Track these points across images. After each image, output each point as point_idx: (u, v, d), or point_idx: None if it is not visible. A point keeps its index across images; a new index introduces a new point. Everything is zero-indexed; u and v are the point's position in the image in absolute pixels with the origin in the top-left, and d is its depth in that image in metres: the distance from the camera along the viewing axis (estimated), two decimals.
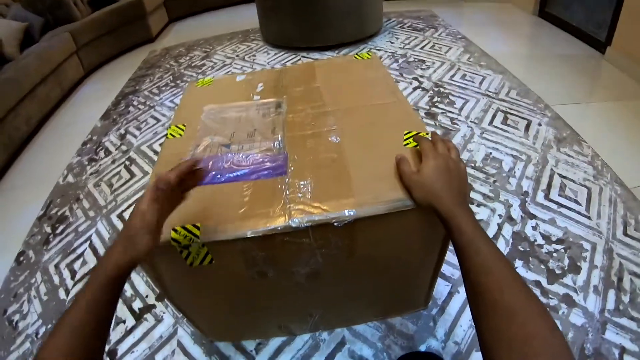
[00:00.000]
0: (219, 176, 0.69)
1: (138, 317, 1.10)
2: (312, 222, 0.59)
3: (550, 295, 1.03)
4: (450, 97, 1.94)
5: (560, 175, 1.40)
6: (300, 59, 2.58)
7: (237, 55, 2.78)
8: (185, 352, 1.00)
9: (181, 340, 1.03)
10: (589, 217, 1.24)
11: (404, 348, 0.95)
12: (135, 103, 2.37)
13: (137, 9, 3.21)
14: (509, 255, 1.13)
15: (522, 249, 1.15)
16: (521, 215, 1.26)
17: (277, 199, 0.62)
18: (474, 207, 1.30)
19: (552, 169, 1.44)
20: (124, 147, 1.93)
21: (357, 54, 1.04)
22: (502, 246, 1.16)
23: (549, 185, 1.37)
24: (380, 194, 0.61)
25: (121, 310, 1.13)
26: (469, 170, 1.44)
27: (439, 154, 0.59)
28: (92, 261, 1.31)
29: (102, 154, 1.92)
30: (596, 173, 1.41)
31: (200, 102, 0.92)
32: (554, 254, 1.13)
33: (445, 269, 1.11)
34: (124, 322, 1.10)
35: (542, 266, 1.10)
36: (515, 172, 1.44)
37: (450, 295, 1.05)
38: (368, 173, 0.65)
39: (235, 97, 0.93)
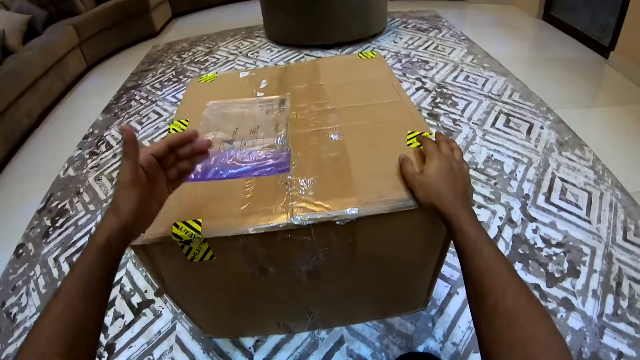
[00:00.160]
0: (221, 172, 0.69)
1: (137, 312, 1.10)
2: (314, 220, 0.59)
3: (549, 299, 1.03)
4: (453, 98, 1.94)
5: (561, 179, 1.40)
6: (303, 57, 2.58)
7: (240, 52, 2.78)
8: (184, 348, 1.00)
9: (179, 335, 1.03)
10: (589, 222, 1.24)
11: (402, 348, 0.95)
12: (137, 97, 2.37)
13: (140, 3, 3.20)
14: (508, 258, 1.13)
15: (521, 252, 1.15)
16: (522, 218, 1.26)
17: (280, 196, 0.62)
18: (474, 209, 1.29)
19: (553, 173, 1.44)
20: None
21: (361, 53, 1.04)
22: (502, 248, 1.16)
23: (550, 189, 1.37)
24: (383, 194, 0.60)
25: (120, 304, 1.13)
26: (470, 171, 1.44)
27: (442, 155, 0.59)
28: None
29: (103, 147, 1.92)
30: (597, 177, 1.41)
31: (204, 97, 0.92)
32: (554, 258, 1.13)
33: (444, 270, 1.11)
34: (123, 316, 1.10)
35: (542, 269, 1.10)
36: (516, 175, 1.43)
37: (449, 296, 1.05)
38: (371, 172, 0.65)
39: (239, 93, 0.93)
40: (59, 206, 1.57)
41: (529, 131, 1.67)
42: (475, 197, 1.35)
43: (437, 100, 1.93)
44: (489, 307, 0.42)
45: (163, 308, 1.10)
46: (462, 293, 1.05)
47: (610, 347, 0.92)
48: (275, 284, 0.74)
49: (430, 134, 0.70)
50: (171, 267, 0.67)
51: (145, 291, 1.16)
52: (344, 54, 2.55)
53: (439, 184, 0.55)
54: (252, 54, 2.72)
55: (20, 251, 1.40)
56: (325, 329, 0.99)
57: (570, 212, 1.27)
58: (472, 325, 0.98)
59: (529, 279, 1.08)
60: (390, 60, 2.39)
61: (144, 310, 1.10)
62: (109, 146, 1.92)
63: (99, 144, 1.96)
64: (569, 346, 0.90)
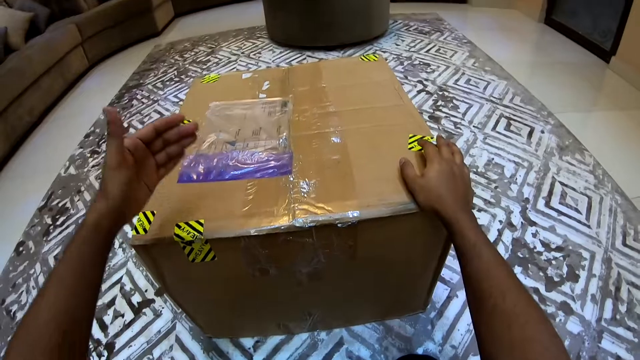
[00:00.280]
0: (223, 173, 0.69)
1: (137, 311, 1.11)
2: (316, 222, 0.59)
3: (548, 303, 1.03)
4: (454, 101, 1.95)
5: (562, 183, 1.41)
6: (305, 58, 2.58)
7: (243, 52, 2.78)
8: (183, 348, 1.00)
9: (179, 335, 1.03)
10: (588, 226, 1.24)
11: (401, 350, 0.95)
12: (139, 97, 2.38)
13: (143, 2, 3.21)
14: (508, 262, 1.14)
15: (521, 256, 1.16)
16: (521, 222, 1.26)
17: (282, 198, 0.63)
18: (475, 213, 1.30)
19: (553, 177, 1.44)
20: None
21: (363, 56, 1.05)
22: (502, 252, 1.17)
23: (550, 193, 1.37)
24: (384, 197, 0.61)
25: (120, 304, 1.13)
26: (471, 175, 1.44)
27: (443, 159, 0.59)
28: None
29: (104, 146, 1.91)
30: (597, 182, 1.41)
31: (206, 98, 0.93)
32: (553, 262, 1.13)
33: (444, 273, 1.12)
34: (123, 315, 1.10)
35: (541, 273, 1.10)
36: (516, 179, 1.44)
37: (448, 299, 1.05)
38: (372, 175, 0.65)
39: (241, 94, 0.93)
40: (60, 204, 1.58)
41: (529, 135, 1.67)
42: (475, 200, 1.36)
43: (439, 103, 1.93)
44: (489, 309, 0.42)
45: (163, 307, 1.11)
46: (461, 296, 1.06)
47: (609, 352, 0.92)
48: (275, 285, 0.74)
49: (432, 137, 0.71)
50: (172, 267, 0.67)
51: (146, 290, 1.16)
52: (345, 56, 2.55)
53: (440, 187, 0.56)
54: (254, 54, 2.73)
55: (21, 249, 1.40)
56: (325, 330, 0.99)
57: (570, 217, 1.28)
58: (471, 328, 0.98)
59: (528, 282, 1.08)
60: (392, 62, 2.39)
61: (144, 310, 1.11)
62: None
63: (101, 142, 1.97)
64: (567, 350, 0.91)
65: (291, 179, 0.66)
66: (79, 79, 2.76)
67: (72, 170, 1.78)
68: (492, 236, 1.22)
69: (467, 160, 1.54)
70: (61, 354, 0.36)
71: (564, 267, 1.12)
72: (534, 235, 1.22)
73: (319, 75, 0.97)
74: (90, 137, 2.03)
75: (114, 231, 0.46)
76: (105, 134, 0.46)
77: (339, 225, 0.59)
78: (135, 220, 0.61)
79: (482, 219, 1.28)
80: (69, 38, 2.63)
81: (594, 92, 2.04)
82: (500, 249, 1.18)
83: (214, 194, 0.65)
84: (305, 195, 0.63)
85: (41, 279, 1.25)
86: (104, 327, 1.07)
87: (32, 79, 2.21)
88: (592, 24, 2.44)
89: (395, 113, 0.80)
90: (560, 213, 1.29)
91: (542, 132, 1.69)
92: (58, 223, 1.48)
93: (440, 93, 2.02)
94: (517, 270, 1.12)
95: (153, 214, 0.63)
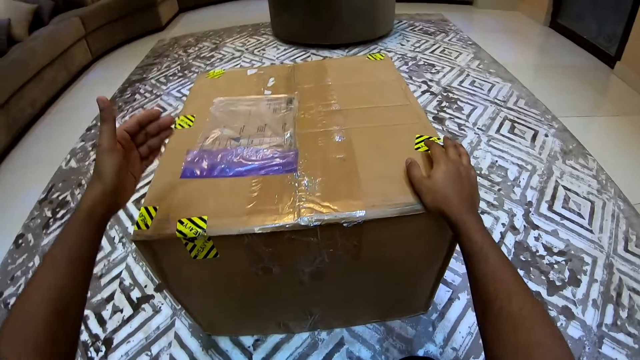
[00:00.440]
0: (227, 169, 0.68)
1: (136, 306, 1.10)
2: (321, 221, 0.58)
3: (549, 307, 1.02)
4: (459, 102, 1.94)
5: (565, 188, 1.40)
6: (310, 56, 2.57)
7: (247, 49, 2.77)
8: (182, 345, 1.00)
9: (178, 332, 1.02)
10: (591, 231, 1.24)
11: (402, 352, 0.94)
12: (141, 91, 2.37)
13: None
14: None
15: (523, 259, 1.15)
16: (524, 225, 1.26)
17: (287, 196, 0.62)
18: None
19: (556, 181, 1.43)
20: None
21: (370, 54, 1.04)
22: None
23: (553, 197, 1.37)
24: (391, 197, 0.60)
25: (119, 299, 1.13)
26: None
27: (450, 160, 0.59)
28: None
29: None
30: (600, 187, 1.40)
31: (210, 93, 0.92)
32: (555, 266, 1.13)
33: (446, 274, 1.11)
34: (121, 310, 1.09)
35: (543, 277, 1.10)
36: (520, 182, 1.43)
37: (450, 301, 1.05)
38: (378, 175, 0.65)
39: (246, 90, 0.93)
40: (60, 197, 1.57)
41: (533, 138, 1.67)
42: None
43: (443, 105, 1.93)
44: (495, 311, 0.42)
45: (162, 304, 1.10)
46: (463, 298, 1.05)
47: (609, 357, 0.92)
48: (277, 284, 0.73)
49: (439, 139, 0.70)
50: (173, 264, 0.67)
51: (145, 286, 1.16)
52: (350, 55, 2.54)
53: (446, 189, 0.55)
54: (259, 51, 2.72)
55: (20, 241, 1.39)
56: (326, 330, 0.99)
57: (572, 221, 1.27)
58: (472, 330, 0.97)
59: (530, 286, 1.07)
60: (397, 62, 2.38)
61: (143, 305, 1.10)
62: None
63: None
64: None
65: (296, 176, 0.66)
66: (82, 72, 2.76)
67: (73, 164, 1.78)
68: (495, 239, 1.21)
69: (471, 162, 1.54)
70: (54, 334, 0.37)
71: (565, 271, 1.11)
72: (537, 238, 1.21)
73: (325, 73, 0.97)
74: (92, 131, 2.02)
75: (106, 217, 0.48)
76: (99, 122, 0.48)
77: (344, 224, 0.59)
78: (137, 215, 0.60)
79: (485, 221, 1.28)
80: (73, 31, 2.62)
81: (598, 97, 2.04)
82: (503, 251, 1.17)
83: (218, 190, 0.65)
84: (311, 193, 0.62)
85: None
86: (102, 322, 1.07)
87: (35, 71, 2.20)
88: (598, 28, 2.43)
89: (402, 113, 0.80)
90: (563, 217, 1.29)
91: (546, 135, 1.68)
92: (58, 216, 1.47)
93: (445, 94, 2.02)
94: (520, 273, 1.11)
95: (155, 209, 0.62)
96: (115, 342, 1.02)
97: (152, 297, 1.12)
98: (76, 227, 0.44)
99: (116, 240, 1.32)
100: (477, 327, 0.45)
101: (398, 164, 0.65)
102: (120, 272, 1.20)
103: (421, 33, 2.82)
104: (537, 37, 2.80)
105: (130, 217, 1.41)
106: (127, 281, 1.18)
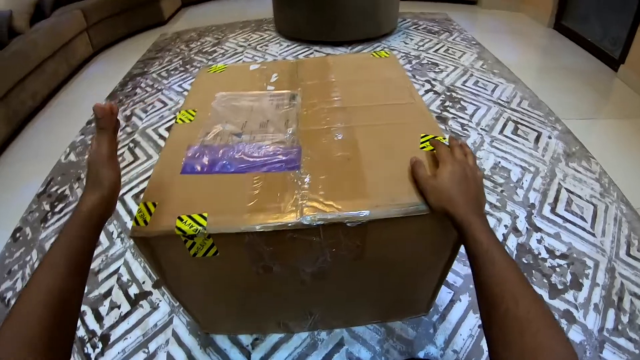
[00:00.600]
0: (228, 166, 0.67)
1: (133, 303, 1.09)
2: (324, 220, 0.57)
3: (551, 310, 1.02)
4: (462, 102, 1.92)
5: (568, 190, 1.39)
6: (313, 53, 2.55)
7: (249, 44, 2.75)
8: (180, 342, 0.98)
9: (176, 329, 1.01)
10: (593, 235, 1.23)
11: (402, 353, 0.93)
12: (142, 85, 2.35)
13: None
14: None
15: (525, 262, 1.14)
16: (527, 227, 1.25)
17: (289, 194, 0.61)
18: None
19: (559, 183, 1.42)
20: (128, 129, 1.90)
21: (374, 52, 1.02)
22: None
23: (556, 199, 1.36)
24: (395, 197, 0.59)
25: (116, 295, 1.12)
26: None
27: (456, 160, 0.58)
28: None
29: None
30: (603, 191, 1.39)
31: (212, 88, 0.91)
32: (557, 269, 1.12)
33: (448, 276, 1.09)
34: (119, 307, 1.08)
35: (545, 280, 1.09)
36: (523, 183, 1.42)
37: (452, 302, 1.04)
38: (383, 174, 0.63)
39: (249, 86, 0.91)
40: (59, 191, 1.56)
41: (536, 140, 1.66)
42: None
43: (446, 104, 1.91)
44: (501, 314, 0.42)
45: (160, 300, 1.09)
46: (464, 300, 1.04)
47: None
48: (278, 283, 0.72)
49: (444, 138, 0.69)
50: (172, 261, 0.65)
51: (143, 282, 1.14)
52: (354, 52, 2.53)
53: (452, 189, 0.54)
54: (261, 47, 2.70)
55: (18, 235, 1.38)
56: (326, 330, 0.98)
57: (575, 224, 1.26)
58: (473, 333, 0.96)
59: None
60: (400, 61, 2.37)
61: (140, 302, 1.09)
62: None
63: None
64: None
65: (299, 174, 0.64)
66: (83, 64, 2.74)
67: (72, 157, 1.76)
68: None
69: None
70: (51, 337, 0.38)
71: (567, 274, 1.10)
72: (539, 241, 1.20)
73: (329, 69, 0.95)
74: (92, 124, 2.01)
75: (105, 217, 0.49)
76: (95, 126, 0.49)
77: (348, 224, 0.57)
78: (135, 211, 0.59)
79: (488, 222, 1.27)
80: (75, 23, 2.60)
81: (602, 100, 2.02)
82: (509, 254, 1.17)
83: (219, 187, 0.63)
84: (314, 192, 0.61)
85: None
86: (99, 318, 1.06)
87: (36, 63, 2.19)
88: (602, 31, 2.41)
89: (407, 111, 0.78)
90: (566, 220, 1.28)
91: (550, 137, 1.67)
92: (56, 210, 1.46)
93: (448, 94, 2.00)
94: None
95: (154, 205, 0.61)
96: (112, 338, 1.01)
97: (150, 293, 1.11)
98: (75, 229, 0.45)
99: (114, 235, 1.31)
100: (481, 329, 0.45)
101: (403, 163, 0.64)
102: (118, 268, 1.19)
103: (425, 32, 2.80)
104: (541, 38, 2.78)
105: (130, 212, 1.40)
106: (125, 277, 1.16)
